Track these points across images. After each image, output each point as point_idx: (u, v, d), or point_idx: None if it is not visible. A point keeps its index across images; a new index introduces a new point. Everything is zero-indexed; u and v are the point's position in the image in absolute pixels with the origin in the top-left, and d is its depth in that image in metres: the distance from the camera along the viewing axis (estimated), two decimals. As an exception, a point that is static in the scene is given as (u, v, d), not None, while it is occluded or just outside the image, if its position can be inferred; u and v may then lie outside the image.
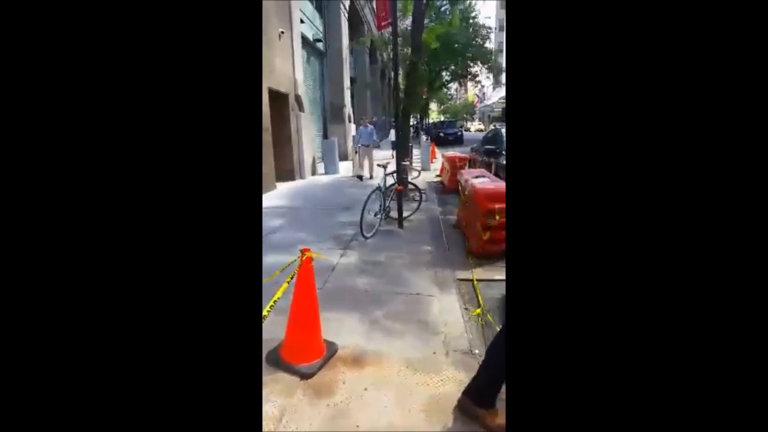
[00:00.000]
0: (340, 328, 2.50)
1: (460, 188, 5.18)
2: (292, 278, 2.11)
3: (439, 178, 9.26)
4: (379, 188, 4.92)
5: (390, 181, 5.23)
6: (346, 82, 13.02)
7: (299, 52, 9.01)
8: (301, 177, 9.20)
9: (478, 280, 3.41)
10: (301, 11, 9.60)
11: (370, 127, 9.34)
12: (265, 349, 2.20)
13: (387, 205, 5.10)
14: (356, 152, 9.92)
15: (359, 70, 16.75)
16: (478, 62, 17.94)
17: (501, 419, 1.65)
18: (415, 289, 3.16)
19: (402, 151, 5.66)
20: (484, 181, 4.41)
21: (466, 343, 2.37)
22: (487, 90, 43.03)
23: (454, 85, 30.61)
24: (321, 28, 12.27)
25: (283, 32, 7.98)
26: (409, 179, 6.48)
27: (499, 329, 1.89)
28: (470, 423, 1.71)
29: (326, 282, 3.28)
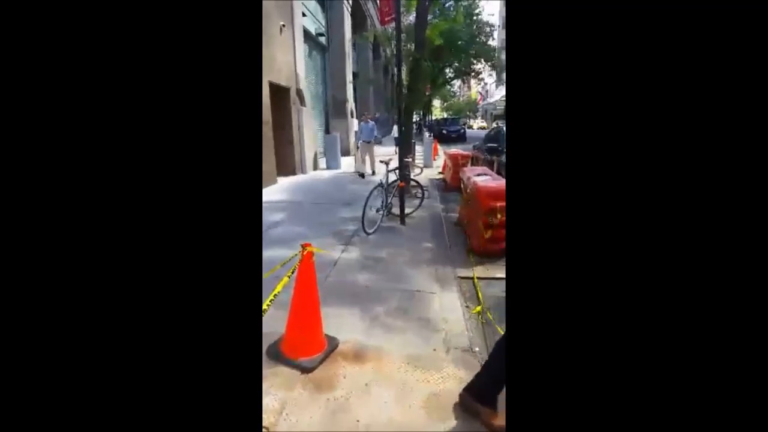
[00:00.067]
0: (341, 324, 2.50)
1: (462, 186, 5.17)
2: (292, 273, 2.11)
3: (441, 176, 9.25)
4: (381, 184, 4.91)
5: (392, 177, 5.23)
6: (349, 77, 12.98)
7: (301, 46, 8.97)
8: (303, 172, 9.19)
9: (479, 278, 3.41)
10: (304, 5, 9.56)
11: (372, 123, 9.25)
12: (266, 343, 2.20)
13: (389, 201, 5.10)
14: (357, 148, 9.88)
15: (362, 66, 16.69)
16: (482, 59, 17.86)
17: (501, 420, 1.65)
18: (416, 286, 3.16)
19: (404, 147, 5.65)
20: (486, 179, 4.40)
21: (466, 341, 2.38)
22: (490, 87, 42.93)
23: (457, 82, 30.52)
24: (323, 22, 12.21)
25: (284, 26, 7.94)
26: (412, 176, 6.48)
27: (503, 332, 1.89)
28: (470, 420, 1.72)
29: (327, 277, 3.28)
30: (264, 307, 1.88)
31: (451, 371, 2.06)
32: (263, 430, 1.65)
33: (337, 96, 12.84)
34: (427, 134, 18.16)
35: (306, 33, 9.80)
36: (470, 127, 38.26)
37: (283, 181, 8.06)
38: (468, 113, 50.64)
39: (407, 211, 5.16)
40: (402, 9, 6.29)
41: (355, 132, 10.72)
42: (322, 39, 12.09)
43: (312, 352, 2.12)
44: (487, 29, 17.41)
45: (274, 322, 2.26)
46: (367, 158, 9.06)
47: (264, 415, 1.71)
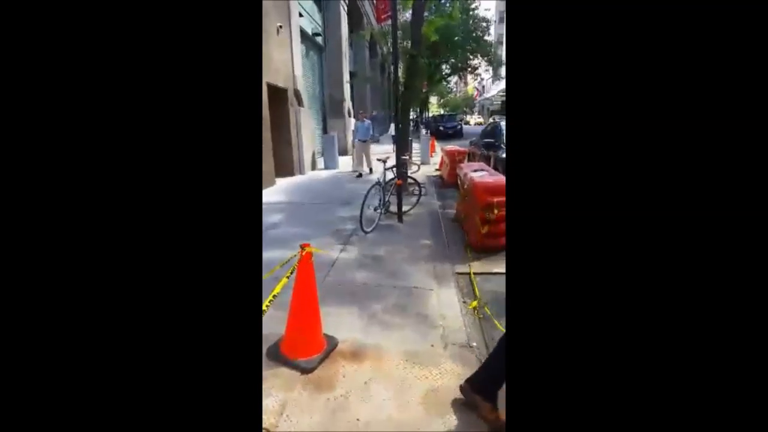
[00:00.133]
0: (340, 323, 2.52)
1: (459, 182, 5.18)
2: (291, 273, 2.12)
3: (438, 172, 9.25)
4: (378, 183, 4.93)
5: (389, 175, 5.23)
6: (346, 76, 12.95)
7: (298, 47, 8.95)
8: (301, 172, 9.18)
9: (476, 274, 3.42)
10: (300, 5, 9.52)
11: (368, 121, 9.14)
12: (266, 344, 2.22)
13: (386, 199, 5.11)
14: (353, 147, 9.85)
15: (359, 64, 16.65)
16: (478, 55, 17.82)
17: (501, 415, 1.68)
18: (413, 282, 3.18)
19: (401, 145, 5.65)
20: (482, 175, 4.41)
21: (464, 337, 2.40)
22: (487, 83, 42.81)
23: (453, 79, 30.44)
24: (320, 22, 12.18)
25: (281, 26, 7.93)
26: (409, 173, 6.48)
27: (501, 327, 1.90)
28: (468, 415, 1.74)
29: (326, 276, 3.30)
30: (263, 308, 1.89)
31: (449, 367, 2.08)
32: (263, 431, 1.67)
33: (335, 95, 12.81)
34: (424, 131, 18.14)
35: (303, 33, 9.77)
36: (467, 123, 38.19)
37: (282, 182, 8.06)
38: (465, 109, 50.56)
39: (405, 208, 5.17)
40: (398, 6, 6.29)
41: (352, 131, 10.70)
42: (319, 39, 12.06)
43: (311, 353, 2.14)
44: (484, 24, 17.36)
45: (273, 323, 2.28)
46: (364, 157, 8.99)
47: (264, 417, 1.73)
